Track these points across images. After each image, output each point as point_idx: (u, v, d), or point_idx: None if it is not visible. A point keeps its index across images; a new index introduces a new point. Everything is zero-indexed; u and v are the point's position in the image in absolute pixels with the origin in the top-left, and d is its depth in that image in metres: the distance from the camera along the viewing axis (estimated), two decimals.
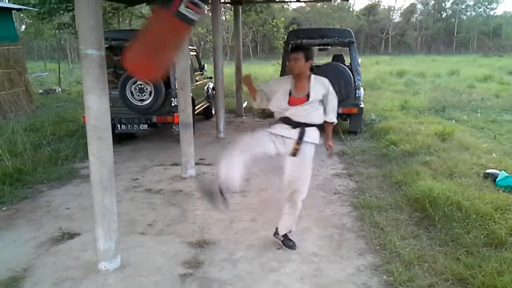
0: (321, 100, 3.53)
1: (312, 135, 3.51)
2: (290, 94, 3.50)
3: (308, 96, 3.46)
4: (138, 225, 4.29)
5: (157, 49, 3.10)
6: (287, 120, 3.49)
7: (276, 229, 3.84)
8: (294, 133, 3.47)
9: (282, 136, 3.49)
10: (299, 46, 3.66)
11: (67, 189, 5.51)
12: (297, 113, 3.47)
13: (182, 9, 3.04)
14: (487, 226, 3.78)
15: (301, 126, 3.47)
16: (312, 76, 3.57)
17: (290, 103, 3.48)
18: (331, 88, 3.57)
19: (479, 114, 9.82)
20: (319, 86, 3.52)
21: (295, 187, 3.57)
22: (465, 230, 3.77)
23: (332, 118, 3.61)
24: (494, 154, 6.18)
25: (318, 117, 3.52)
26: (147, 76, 3.16)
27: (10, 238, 4.05)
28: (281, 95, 3.52)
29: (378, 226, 4.10)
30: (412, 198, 4.62)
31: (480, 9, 64.23)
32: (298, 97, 3.49)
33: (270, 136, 3.54)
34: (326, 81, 3.59)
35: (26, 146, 6.86)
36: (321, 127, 3.60)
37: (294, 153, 3.48)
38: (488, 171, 5.24)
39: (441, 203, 4.22)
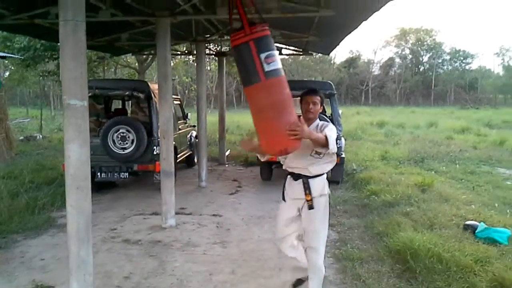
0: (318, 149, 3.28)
1: (319, 187, 3.37)
2: None
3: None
4: (114, 278, 4.16)
5: (282, 115, 3.05)
6: (288, 172, 3.46)
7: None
8: (297, 185, 3.38)
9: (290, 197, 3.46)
10: (315, 90, 3.50)
11: (43, 239, 5.35)
12: (293, 163, 3.40)
13: (267, 67, 3.09)
14: (467, 278, 3.78)
15: (302, 176, 3.36)
16: (317, 121, 3.42)
17: None
18: (329, 126, 3.30)
19: (457, 165, 10.00)
20: (317, 130, 3.31)
21: (308, 243, 3.45)
22: (446, 283, 3.76)
23: (326, 133, 3.17)
24: (473, 206, 6.25)
25: (319, 166, 3.34)
26: (294, 143, 3.07)
27: None
28: None
29: (360, 278, 4.06)
30: (394, 250, 4.61)
31: (456, 63, 66.92)
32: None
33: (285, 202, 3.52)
34: (330, 125, 3.34)
35: (3, 194, 6.71)
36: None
37: (311, 206, 3.35)
38: (467, 222, 5.28)
39: (422, 255, 4.22)
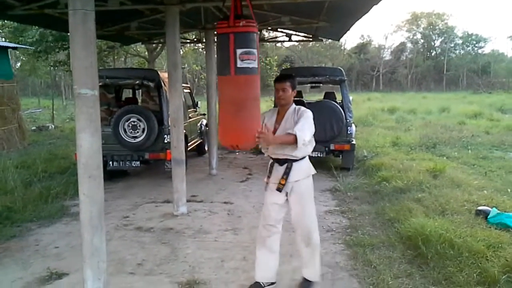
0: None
1: (302, 170, 3.44)
2: (274, 128, 3.45)
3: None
4: (127, 265, 4.22)
5: (241, 112, 3.14)
6: (273, 158, 3.50)
7: (303, 278, 3.70)
8: (281, 170, 3.43)
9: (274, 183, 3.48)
10: (285, 75, 3.53)
11: (56, 227, 5.43)
12: (275, 149, 3.43)
13: (239, 63, 3.11)
14: (479, 264, 3.76)
15: (287, 162, 3.41)
16: (293, 106, 3.46)
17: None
18: (305, 114, 3.35)
19: (469, 151, 9.91)
20: (298, 117, 3.35)
21: (301, 224, 3.50)
22: (458, 268, 3.75)
23: (296, 132, 3.23)
24: (485, 191, 6.20)
25: (300, 150, 3.31)
26: (246, 142, 3.20)
27: None
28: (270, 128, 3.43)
29: (371, 264, 4.07)
30: (405, 236, 4.60)
31: (468, 48, 65.83)
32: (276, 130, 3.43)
33: (269, 188, 3.55)
34: (305, 112, 3.39)
35: (17, 183, 6.80)
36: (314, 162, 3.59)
37: (279, 188, 3.42)
38: (479, 208, 5.24)
39: (434, 241, 4.21)
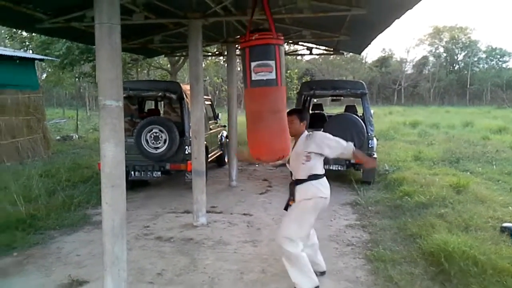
0: (307, 155, 3.66)
1: (302, 192, 3.69)
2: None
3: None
4: (147, 274, 4.25)
5: (258, 125, 3.29)
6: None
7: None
8: (292, 190, 3.76)
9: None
10: (293, 110, 3.88)
11: (78, 235, 5.51)
12: (293, 170, 3.81)
13: (254, 76, 3.19)
14: (504, 282, 3.67)
15: (295, 183, 3.74)
16: (305, 133, 3.78)
17: (288, 161, 3.81)
18: (323, 140, 3.70)
19: (494, 166, 9.71)
20: (308, 141, 3.70)
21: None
22: (482, 286, 3.66)
23: (338, 151, 3.72)
24: (510, 207, 6.06)
25: (304, 171, 3.68)
26: (264, 156, 3.36)
27: (19, 285, 4.04)
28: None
29: (393, 280, 4.01)
30: (427, 252, 4.52)
31: (492, 62, 64.77)
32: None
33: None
34: (318, 135, 3.75)
35: (41, 191, 6.94)
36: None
37: (286, 207, 3.82)
38: (504, 224, 5.13)
39: (457, 257, 4.13)
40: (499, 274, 3.82)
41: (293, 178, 3.79)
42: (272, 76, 3.23)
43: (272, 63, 3.24)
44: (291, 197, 3.73)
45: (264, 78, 3.20)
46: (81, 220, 6.05)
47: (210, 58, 23.56)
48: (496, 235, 4.90)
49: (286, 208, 3.81)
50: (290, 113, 3.73)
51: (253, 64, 3.19)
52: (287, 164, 3.89)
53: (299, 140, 3.76)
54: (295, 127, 3.72)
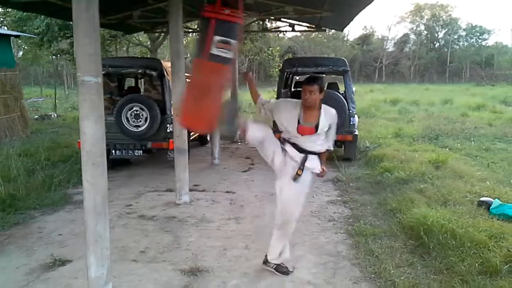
0: (326, 131, 3.60)
1: (314, 163, 3.59)
2: (298, 122, 3.51)
3: (316, 127, 3.50)
4: (130, 252, 4.24)
5: (203, 98, 3.19)
6: (294, 145, 3.57)
7: (266, 257, 3.82)
8: (299, 157, 3.54)
9: (287, 153, 3.58)
10: (314, 78, 3.60)
11: (59, 215, 5.46)
12: (304, 142, 3.54)
13: (214, 50, 3.11)
14: (481, 254, 3.77)
15: (305, 153, 3.54)
16: (323, 106, 3.59)
17: (299, 131, 3.51)
18: (336, 119, 3.64)
19: (472, 143, 9.89)
20: (327, 117, 3.56)
21: (289, 217, 3.62)
22: (460, 258, 3.76)
23: (331, 146, 3.75)
24: (487, 182, 6.20)
25: (321, 147, 3.62)
26: (202, 128, 3.30)
27: (0, 265, 3.99)
28: (289, 119, 3.54)
29: (373, 254, 4.09)
30: (407, 226, 4.62)
31: (472, 40, 65.39)
32: (307, 127, 3.51)
33: (279, 146, 3.66)
34: (334, 112, 3.63)
35: (20, 171, 6.82)
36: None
37: (295, 178, 3.53)
38: (482, 199, 5.25)
39: (436, 231, 4.22)
40: (476, 246, 3.92)
41: (302, 147, 3.55)
42: (231, 55, 3.20)
43: (234, 42, 3.20)
44: (301, 167, 3.52)
45: (223, 55, 3.15)
46: (62, 200, 5.98)
47: (191, 34, 23.19)
48: (473, 209, 5.02)
49: (295, 179, 3.55)
50: (311, 82, 3.46)
51: (216, 38, 3.12)
52: (293, 133, 3.57)
53: (320, 116, 3.52)
54: (314, 98, 3.46)
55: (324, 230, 4.82)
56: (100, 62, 3.31)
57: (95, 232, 3.25)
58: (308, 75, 3.81)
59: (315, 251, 4.26)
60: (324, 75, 9.69)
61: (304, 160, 3.52)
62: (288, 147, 3.58)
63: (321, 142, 3.60)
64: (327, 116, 3.56)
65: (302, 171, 3.52)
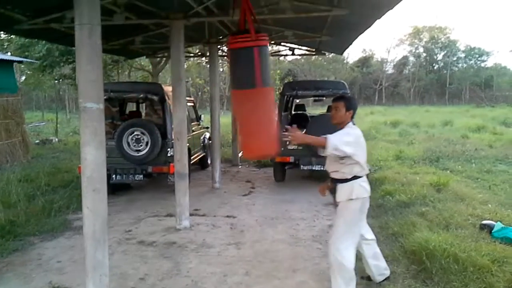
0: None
1: (343, 192, 3.52)
2: None
3: None
4: (129, 279, 4.20)
5: (266, 123, 3.29)
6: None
7: None
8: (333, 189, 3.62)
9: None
10: (341, 96, 3.67)
11: (59, 241, 5.42)
12: (327, 168, 3.61)
13: (264, 75, 3.21)
14: (484, 279, 3.74)
15: (334, 181, 3.57)
16: (349, 125, 3.52)
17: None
18: (347, 129, 3.50)
19: (473, 165, 9.87)
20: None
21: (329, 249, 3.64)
22: (463, 283, 3.72)
23: (328, 136, 3.36)
24: (489, 205, 6.17)
25: (341, 173, 3.50)
26: (270, 153, 3.34)
27: None
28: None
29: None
30: (409, 250, 4.57)
31: (471, 61, 65.87)
32: None
33: None
34: (349, 127, 3.51)
35: (20, 197, 6.80)
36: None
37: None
38: (484, 222, 5.21)
39: (438, 255, 4.18)
40: (479, 271, 3.88)
41: (331, 175, 3.59)
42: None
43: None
44: (334, 195, 3.57)
45: (269, 76, 3.27)
46: (61, 226, 5.95)
47: (192, 59, 23.45)
48: (476, 232, 4.98)
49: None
50: (337, 99, 3.55)
51: (264, 63, 3.23)
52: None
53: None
54: (339, 115, 3.47)
55: (326, 256, 4.73)
56: (102, 88, 3.35)
57: (94, 259, 3.24)
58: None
59: (317, 277, 4.21)
60: (324, 98, 9.78)
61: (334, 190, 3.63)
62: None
63: (338, 164, 3.50)
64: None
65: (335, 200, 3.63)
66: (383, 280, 3.92)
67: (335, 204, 3.61)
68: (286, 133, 3.17)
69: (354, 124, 3.60)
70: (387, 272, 3.97)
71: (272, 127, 3.31)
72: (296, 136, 3.22)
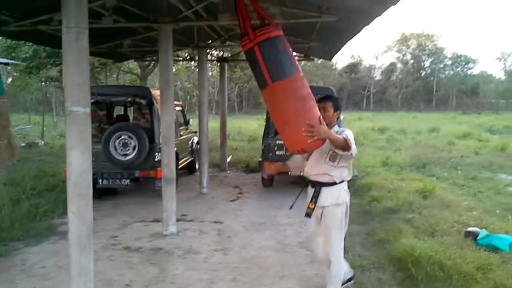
0: (333, 154, 3.33)
1: (329, 196, 3.41)
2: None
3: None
4: (115, 285, 4.15)
5: (297, 118, 3.10)
6: (306, 179, 3.50)
7: None
8: (311, 192, 3.47)
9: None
10: (328, 96, 3.52)
11: (44, 246, 5.34)
12: (310, 170, 3.44)
13: (289, 65, 3.16)
14: (469, 286, 3.77)
15: (316, 185, 3.43)
16: (336, 128, 3.43)
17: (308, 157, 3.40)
18: (348, 133, 3.33)
19: (459, 171, 9.98)
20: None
21: (327, 252, 3.54)
22: None
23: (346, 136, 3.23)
24: (474, 212, 6.23)
25: (333, 173, 3.38)
26: (314, 145, 3.13)
27: None
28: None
29: (362, 286, 4.05)
30: (395, 257, 4.59)
31: (458, 68, 66.92)
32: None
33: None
34: (346, 131, 3.34)
35: (5, 201, 6.67)
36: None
37: (308, 213, 3.47)
38: (469, 229, 5.26)
39: (424, 262, 4.21)
40: (464, 278, 3.92)
41: (311, 178, 3.46)
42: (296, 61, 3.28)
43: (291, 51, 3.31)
44: (313, 200, 3.41)
45: (296, 63, 3.23)
46: (46, 231, 5.86)
47: (181, 62, 23.39)
48: (461, 239, 5.02)
49: (307, 215, 3.50)
50: (324, 99, 3.43)
51: (288, 52, 3.20)
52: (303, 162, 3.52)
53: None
54: (327, 115, 3.35)
55: (313, 262, 4.74)
56: (89, 92, 3.33)
57: (79, 265, 3.21)
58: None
59: (304, 283, 4.20)
60: None
61: (317, 194, 3.48)
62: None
63: (327, 167, 3.39)
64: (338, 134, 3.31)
65: (314, 205, 3.47)
66: None
67: (310, 209, 3.47)
68: (309, 127, 2.94)
69: (340, 127, 3.55)
70: None
71: (301, 118, 3.05)
72: (319, 131, 2.94)
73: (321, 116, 3.18)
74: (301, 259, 4.85)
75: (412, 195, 7.11)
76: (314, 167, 3.45)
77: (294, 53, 10.47)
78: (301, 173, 3.68)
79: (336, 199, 3.42)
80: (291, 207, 3.80)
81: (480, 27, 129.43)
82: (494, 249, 4.69)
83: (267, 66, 3.18)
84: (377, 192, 7.45)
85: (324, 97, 3.49)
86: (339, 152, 3.21)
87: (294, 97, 3.16)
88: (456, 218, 5.85)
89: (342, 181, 3.48)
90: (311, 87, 3.59)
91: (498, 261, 4.33)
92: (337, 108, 3.45)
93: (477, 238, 4.97)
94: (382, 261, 4.63)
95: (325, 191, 3.41)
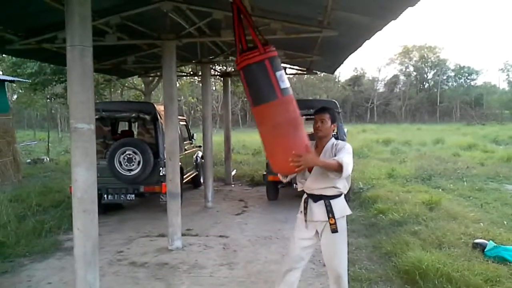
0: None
1: (337, 209, 3.28)
2: None
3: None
4: None
5: (295, 136, 3.07)
6: (307, 194, 3.35)
7: None
8: (321, 207, 3.28)
9: (305, 214, 3.34)
10: (325, 107, 3.43)
11: (49, 262, 5.34)
12: (313, 185, 3.29)
13: (283, 85, 3.12)
14: None
15: (322, 199, 3.28)
16: (333, 140, 3.36)
17: (309, 170, 3.29)
18: (346, 147, 3.24)
19: (465, 183, 9.93)
20: (333, 150, 3.26)
21: (332, 269, 3.37)
22: None
23: (340, 159, 3.07)
24: (481, 223, 6.19)
25: (339, 185, 3.27)
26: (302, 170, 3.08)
27: None
28: None
29: None
30: (402, 270, 4.56)
31: (461, 80, 66.96)
32: None
33: (301, 220, 3.41)
34: (346, 146, 3.25)
35: (10, 217, 6.71)
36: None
37: (334, 229, 3.28)
38: (476, 241, 5.22)
39: (431, 275, 4.17)
40: None
41: (314, 192, 3.32)
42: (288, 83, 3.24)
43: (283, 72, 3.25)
44: (330, 215, 3.23)
45: (288, 85, 3.18)
46: (52, 247, 5.87)
47: (184, 78, 23.56)
48: (468, 251, 4.98)
49: (335, 231, 3.28)
50: (321, 111, 3.33)
51: (278, 73, 3.16)
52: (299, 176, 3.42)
53: (324, 148, 3.31)
54: (325, 127, 3.29)
55: (319, 276, 4.73)
56: (93, 109, 3.35)
57: (85, 281, 3.20)
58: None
59: None
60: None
61: (330, 209, 3.30)
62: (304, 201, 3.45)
63: (327, 180, 3.23)
64: (334, 148, 3.27)
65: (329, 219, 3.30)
66: None
67: (333, 224, 3.25)
68: (295, 156, 2.86)
69: (344, 139, 3.50)
70: None
71: (302, 136, 3.06)
72: (306, 160, 2.89)
73: (308, 143, 3.14)
74: (308, 273, 4.81)
75: (418, 207, 7.07)
76: (317, 182, 3.30)
77: (297, 67, 10.56)
78: (298, 188, 3.56)
79: (342, 211, 3.33)
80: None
81: (482, 38, 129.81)
82: (503, 260, 4.65)
83: (249, 91, 3.20)
84: (382, 205, 7.41)
85: (321, 109, 3.40)
86: (331, 175, 3.12)
87: (272, 123, 3.11)
88: (463, 230, 5.81)
89: (343, 194, 3.40)
90: (314, 100, 3.58)
91: (506, 273, 4.29)
92: (334, 120, 3.37)
93: (485, 250, 4.93)
94: (389, 274, 4.60)
95: (334, 204, 3.29)
